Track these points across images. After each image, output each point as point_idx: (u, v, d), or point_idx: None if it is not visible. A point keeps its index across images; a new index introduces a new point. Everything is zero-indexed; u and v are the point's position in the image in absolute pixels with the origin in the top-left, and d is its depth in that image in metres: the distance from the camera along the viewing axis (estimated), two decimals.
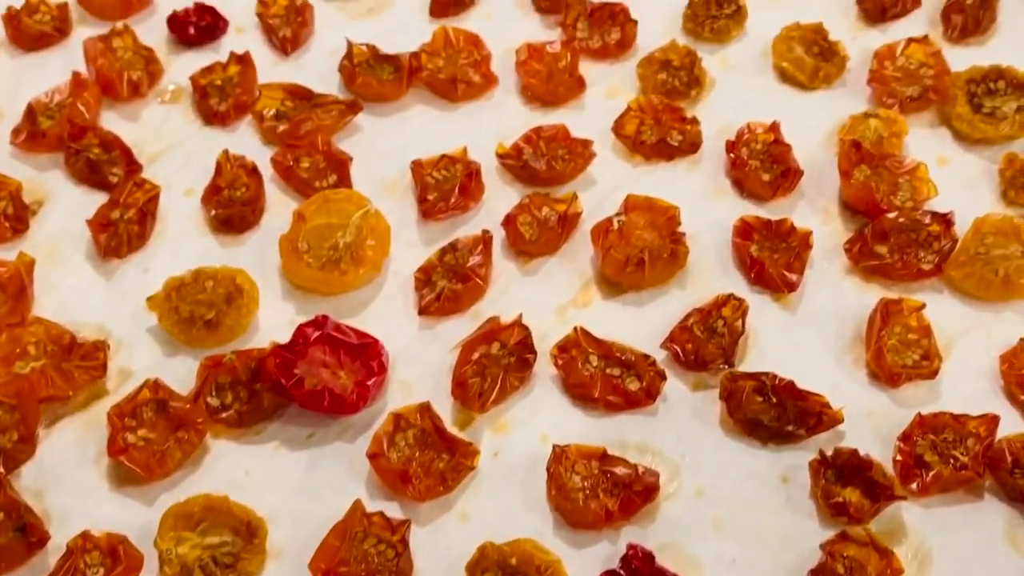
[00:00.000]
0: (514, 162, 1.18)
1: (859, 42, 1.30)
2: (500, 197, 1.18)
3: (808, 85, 1.26)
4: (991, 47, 1.30)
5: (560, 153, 1.18)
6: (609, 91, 1.26)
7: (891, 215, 1.12)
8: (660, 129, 1.20)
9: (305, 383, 1.00)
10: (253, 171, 1.17)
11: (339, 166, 1.18)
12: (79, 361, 1.04)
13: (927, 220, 1.11)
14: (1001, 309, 1.09)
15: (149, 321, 1.07)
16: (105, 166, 1.17)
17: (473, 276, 1.10)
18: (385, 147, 1.22)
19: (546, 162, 1.18)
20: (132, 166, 1.18)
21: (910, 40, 1.26)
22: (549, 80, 1.24)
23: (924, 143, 1.21)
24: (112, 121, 1.24)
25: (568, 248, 1.14)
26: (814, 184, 1.18)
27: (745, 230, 1.13)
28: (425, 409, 1.00)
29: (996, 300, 1.09)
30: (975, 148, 1.21)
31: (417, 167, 1.17)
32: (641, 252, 1.09)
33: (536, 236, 1.13)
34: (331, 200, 1.12)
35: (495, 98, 1.26)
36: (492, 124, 1.24)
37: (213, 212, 1.14)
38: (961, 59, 1.26)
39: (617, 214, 1.12)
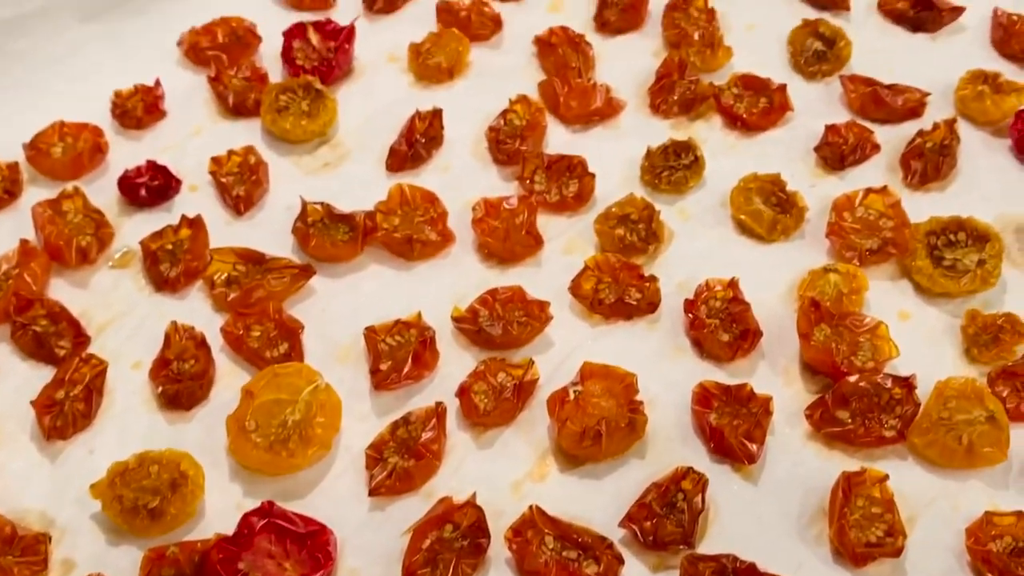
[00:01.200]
0: (470, 326, 1.16)
1: (818, 189, 1.28)
2: (455, 362, 1.16)
3: (767, 237, 1.24)
4: (952, 192, 1.29)
5: (516, 316, 1.16)
6: (567, 247, 1.25)
7: (852, 379, 1.09)
8: (618, 288, 1.19)
9: None
10: (202, 343, 1.14)
11: (290, 335, 1.15)
12: (19, 556, 1.00)
13: (888, 384, 1.09)
14: (965, 478, 1.07)
15: (93, 507, 1.04)
16: (52, 339, 1.15)
17: (426, 452, 1.07)
18: (339, 310, 1.20)
19: (502, 326, 1.16)
20: (80, 338, 1.16)
21: (868, 190, 1.24)
22: (506, 239, 1.23)
23: (885, 296, 1.20)
24: (60, 288, 1.21)
25: (525, 417, 1.12)
26: (774, 341, 1.16)
27: (704, 397, 1.10)
28: None
29: (960, 468, 1.07)
30: (937, 302, 1.19)
31: (371, 334, 1.15)
32: (598, 424, 1.07)
33: (491, 407, 1.10)
34: (280, 375, 1.09)
35: (452, 255, 1.24)
36: (448, 283, 1.22)
37: (160, 389, 1.12)
38: (921, 205, 1.25)
39: (573, 384, 1.10)
